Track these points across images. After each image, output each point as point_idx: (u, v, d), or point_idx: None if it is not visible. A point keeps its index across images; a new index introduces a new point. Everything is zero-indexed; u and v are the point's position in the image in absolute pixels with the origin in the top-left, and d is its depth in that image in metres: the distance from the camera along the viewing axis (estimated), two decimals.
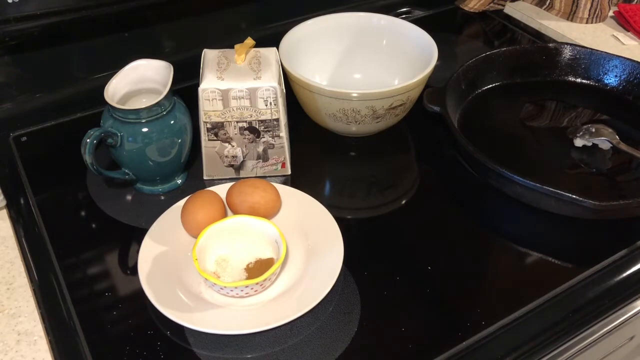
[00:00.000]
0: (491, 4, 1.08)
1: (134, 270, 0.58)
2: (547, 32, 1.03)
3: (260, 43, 0.69)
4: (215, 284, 0.54)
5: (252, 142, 0.68)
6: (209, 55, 0.68)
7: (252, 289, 0.55)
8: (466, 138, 0.69)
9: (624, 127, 0.78)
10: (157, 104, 0.62)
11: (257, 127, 0.66)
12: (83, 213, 0.68)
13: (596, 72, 0.86)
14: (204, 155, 0.69)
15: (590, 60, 0.86)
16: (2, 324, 0.56)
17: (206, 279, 0.54)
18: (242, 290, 0.55)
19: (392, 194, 0.70)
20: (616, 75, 0.85)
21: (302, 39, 0.79)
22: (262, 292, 0.57)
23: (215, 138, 0.67)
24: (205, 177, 0.71)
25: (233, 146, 0.68)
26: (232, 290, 0.55)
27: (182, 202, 0.64)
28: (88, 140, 0.60)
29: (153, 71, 0.66)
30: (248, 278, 0.57)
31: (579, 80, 0.87)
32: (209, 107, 0.65)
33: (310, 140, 0.78)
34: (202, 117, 0.65)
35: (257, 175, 0.71)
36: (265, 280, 0.54)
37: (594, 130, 0.75)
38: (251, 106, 0.65)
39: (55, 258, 0.62)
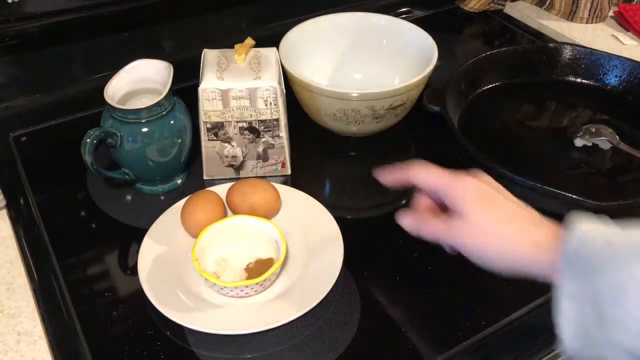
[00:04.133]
0: (491, 4, 1.08)
1: (134, 270, 0.58)
2: (547, 32, 1.03)
3: (260, 43, 0.69)
4: (215, 284, 0.54)
5: (252, 142, 0.68)
6: (209, 55, 0.67)
7: (252, 289, 0.55)
8: (466, 138, 0.69)
9: (624, 127, 0.78)
10: (157, 104, 0.62)
11: (257, 127, 0.66)
12: (83, 213, 0.68)
13: (596, 72, 0.86)
14: (204, 155, 0.69)
15: (590, 60, 0.86)
16: (2, 324, 0.56)
17: (206, 279, 0.54)
18: (242, 290, 0.55)
19: (392, 194, 0.70)
20: (616, 75, 0.85)
21: (302, 39, 0.79)
22: (262, 292, 0.57)
23: (215, 138, 0.67)
24: (205, 177, 0.71)
25: (233, 146, 0.68)
26: (232, 290, 0.55)
27: (182, 202, 0.64)
28: (88, 140, 0.60)
29: (153, 71, 0.66)
30: (248, 278, 0.57)
31: (579, 80, 0.87)
32: (209, 107, 0.65)
33: (310, 140, 0.78)
34: (202, 117, 0.65)
35: (257, 175, 0.71)
36: (265, 280, 0.54)
37: (594, 130, 0.75)
38: (251, 106, 0.65)
39: (55, 258, 0.62)
